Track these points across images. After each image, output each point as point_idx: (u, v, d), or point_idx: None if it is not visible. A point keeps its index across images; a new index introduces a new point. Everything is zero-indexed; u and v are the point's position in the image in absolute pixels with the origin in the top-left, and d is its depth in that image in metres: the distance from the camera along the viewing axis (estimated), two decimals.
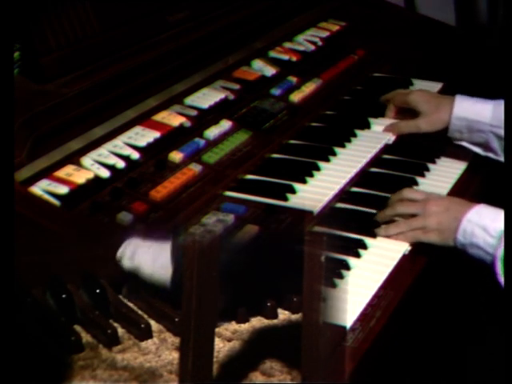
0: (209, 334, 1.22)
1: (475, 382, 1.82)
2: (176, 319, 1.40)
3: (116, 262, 1.48)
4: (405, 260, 1.72)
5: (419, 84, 2.41)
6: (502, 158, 1.99)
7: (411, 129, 2.08)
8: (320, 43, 2.48)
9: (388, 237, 1.76)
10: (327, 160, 1.96)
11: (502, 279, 1.62)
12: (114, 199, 1.64)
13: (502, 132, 1.95)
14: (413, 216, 1.76)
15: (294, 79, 2.26)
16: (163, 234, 1.54)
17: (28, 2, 1.72)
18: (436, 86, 2.40)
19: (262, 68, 2.25)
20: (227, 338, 1.40)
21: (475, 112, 1.99)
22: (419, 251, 1.75)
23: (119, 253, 1.49)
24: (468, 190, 2.02)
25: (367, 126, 2.14)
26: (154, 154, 1.79)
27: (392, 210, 1.81)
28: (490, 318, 1.78)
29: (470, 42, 2.53)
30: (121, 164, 1.73)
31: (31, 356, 1.32)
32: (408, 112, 2.12)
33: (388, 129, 2.11)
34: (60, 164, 1.67)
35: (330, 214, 1.81)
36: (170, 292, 1.44)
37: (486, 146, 2.01)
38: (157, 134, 1.84)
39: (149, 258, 1.47)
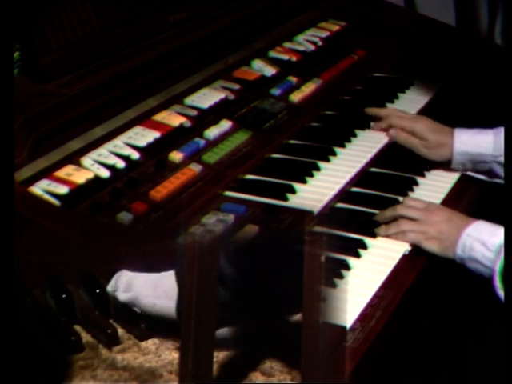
0: (209, 334, 1.22)
1: (475, 382, 1.82)
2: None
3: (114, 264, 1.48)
4: (405, 260, 1.72)
5: (419, 84, 2.41)
6: None
7: (411, 146, 2.05)
8: (320, 43, 2.48)
9: (388, 236, 1.76)
10: (327, 160, 1.96)
11: (500, 292, 1.63)
12: (114, 199, 1.64)
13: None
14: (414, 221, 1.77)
15: (294, 79, 2.26)
16: (163, 263, 1.44)
17: (28, 2, 1.72)
18: (435, 86, 2.41)
19: (261, 68, 2.25)
20: None
21: (476, 145, 1.98)
22: (419, 251, 1.75)
23: (110, 286, 1.43)
24: (470, 188, 2.04)
25: (367, 126, 2.14)
26: (153, 153, 1.79)
27: (393, 211, 1.81)
28: (490, 318, 1.78)
29: (469, 42, 2.53)
30: (121, 164, 1.73)
31: (31, 356, 1.32)
32: None
33: (395, 134, 2.07)
34: (60, 164, 1.67)
35: (330, 214, 1.81)
36: (177, 322, 1.37)
37: (490, 173, 2.00)
38: (157, 134, 1.84)
39: (148, 286, 1.41)
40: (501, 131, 1.95)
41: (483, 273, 1.67)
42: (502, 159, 1.95)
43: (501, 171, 1.97)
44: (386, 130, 2.11)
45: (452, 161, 2.02)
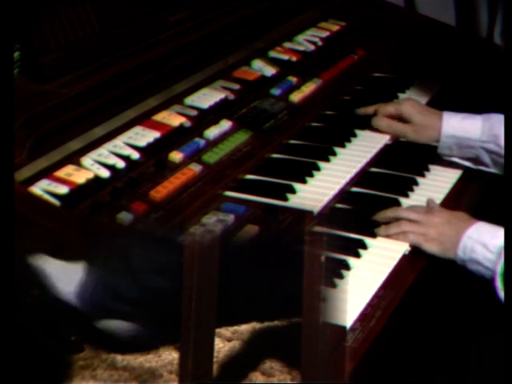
0: (209, 334, 1.22)
1: (475, 382, 1.82)
2: None
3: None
4: (405, 260, 1.72)
5: (419, 84, 2.41)
6: (493, 170, 2.00)
7: (399, 132, 2.07)
8: (320, 43, 2.48)
9: (388, 236, 1.76)
10: (327, 160, 1.96)
11: (501, 294, 1.63)
12: (114, 199, 1.64)
13: (492, 147, 1.96)
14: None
15: (294, 79, 2.26)
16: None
17: (28, 2, 1.72)
18: (435, 86, 2.41)
19: (261, 68, 2.25)
20: (227, 338, 1.40)
21: (464, 129, 1.99)
22: (419, 251, 1.75)
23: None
24: (470, 187, 2.05)
25: (367, 126, 2.14)
26: (153, 153, 1.79)
27: (393, 212, 1.81)
28: (490, 317, 1.78)
29: (469, 42, 2.53)
30: (121, 164, 1.73)
31: (31, 356, 1.32)
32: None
33: (378, 124, 2.09)
34: (60, 164, 1.67)
35: (330, 214, 1.81)
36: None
37: (476, 160, 2.02)
38: (157, 134, 1.84)
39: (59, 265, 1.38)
40: (489, 117, 1.97)
41: (484, 274, 1.67)
42: (489, 145, 1.96)
43: (486, 158, 1.99)
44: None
45: (439, 144, 2.02)
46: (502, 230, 1.67)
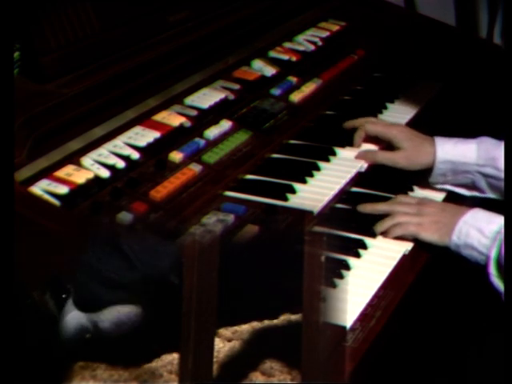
0: (209, 334, 1.22)
1: (475, 382, 1.82)
2: None
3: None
4: (405, 260, 1.72)
5: (419, 84, 2.41)
6: (489, 195, 1.92)
7: (388, 161, 1.96)
8: (320, 43, 2.48)
9: (385, 234, 1.76)
10: (327, 160, 1.96)
11: (494, 280, 1.63)
12: (114, 199, 1.64)
13: (489, 170, 1.87)
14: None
15: (294, 79, 2.26)
16: None
17: (28, 2, 1.72)
18: (435, 86, 2.41)
19: (261, 68, 2.24)
20: (227, 338, 1.40)
21: (459, 154, 1.90)
22: (419, 251, 1.75)
23: None
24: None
25: None
26: (153, 153, 1.79)
27: (386, 206, 1.81)
28: (490, 318, 1.78)
29: (469, 42, 2.53)
30: (121, 164, 1.73)
31: (31, 356, 1.32)
32: (380, 141, 2.02)
33: (361, 155, 1.99)
34: (60, 164, 1.67)
35: (330, 214, 1.81)
36: None
37: (471, 186, 1.93)
38: (157, 134, 1.84)
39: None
40: (483, 141, 1.90)
41: (478, 260, 1.67)
42: (486, 169, 1.88)
43: (482, 183, 1.90)
44: (365, 139, 2.03)
45: (433, 170, 1.93)
46: (498, 216, 1.67)
